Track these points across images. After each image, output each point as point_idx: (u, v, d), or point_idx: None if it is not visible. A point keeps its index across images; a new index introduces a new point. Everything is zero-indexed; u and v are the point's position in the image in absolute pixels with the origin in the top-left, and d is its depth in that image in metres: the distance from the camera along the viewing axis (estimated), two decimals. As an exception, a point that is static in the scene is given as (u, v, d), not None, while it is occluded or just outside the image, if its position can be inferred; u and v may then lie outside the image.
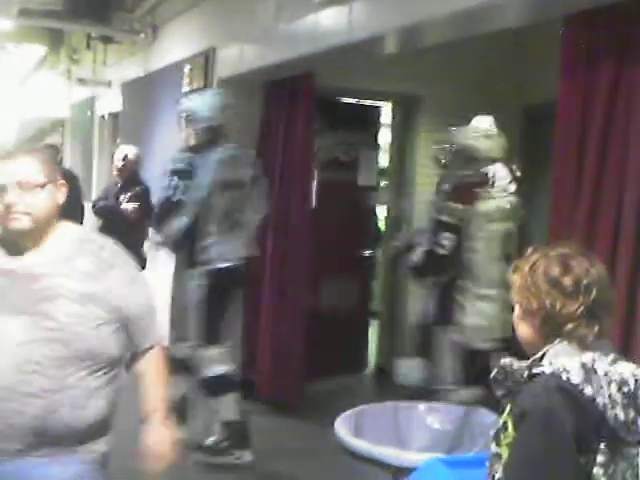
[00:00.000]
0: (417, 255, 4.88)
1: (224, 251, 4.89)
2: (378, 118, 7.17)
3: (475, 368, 4.66)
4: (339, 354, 6.77)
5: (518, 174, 6.20)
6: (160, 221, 5.06)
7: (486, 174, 5.39)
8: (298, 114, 5.90)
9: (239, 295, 5.26)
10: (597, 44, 3.38)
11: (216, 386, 4.93)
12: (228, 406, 4.96)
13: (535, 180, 6.17)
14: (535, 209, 5.82)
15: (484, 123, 6.22)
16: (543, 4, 3.65)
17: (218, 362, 4.93)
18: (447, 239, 4.73)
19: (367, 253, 7.17)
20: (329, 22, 4.63)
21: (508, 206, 4.89)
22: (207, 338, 4.94)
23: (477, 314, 4.62)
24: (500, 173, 6.16)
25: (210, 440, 5.03)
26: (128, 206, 6.94)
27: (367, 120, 7.07)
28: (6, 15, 8.99)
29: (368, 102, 6.98)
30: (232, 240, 4.92)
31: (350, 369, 6.87)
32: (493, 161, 6.22)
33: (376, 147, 7.18)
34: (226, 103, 5.16)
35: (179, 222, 4.87)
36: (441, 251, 4.73)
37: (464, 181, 5.05)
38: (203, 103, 5.12)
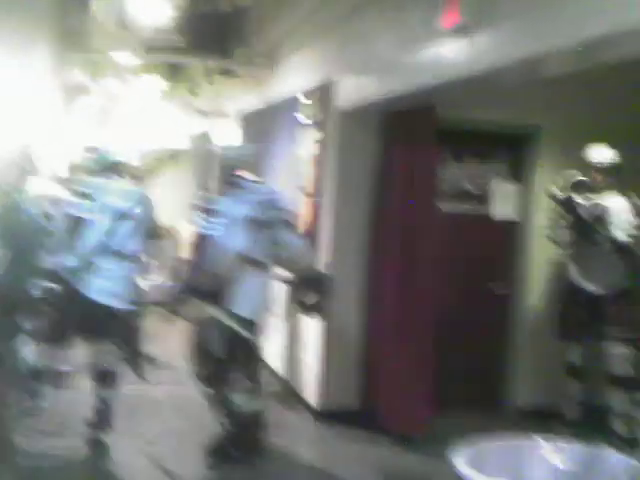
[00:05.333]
0: None
1: None
2: (522, 148, 6.84)
3: None
4: (475, 389, 6.72)
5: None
6: None
7: None
8: (419, 146, 5.91)
9: None
10: None
11: None
12: None
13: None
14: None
15: (600, 155, 6.10)
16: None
17: None
18: None
19: (500, 287, 6.86)
20: (452, 53, 4.62)
21: None
22: None
23: None
24: (619, 205, 6.02)
25: None
26: None
27: (504, 150, 6.86)
28: (132, 50, 9.33)
29: (507, 131, 6.70)
30: None
31: (487, 407, 6.72)
32: (612, 193, 6.10)
33: (518, 178, 6.84)
34: None
35: None
36: None
37: None
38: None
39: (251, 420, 5.43)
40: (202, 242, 5.44)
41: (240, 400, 5.31)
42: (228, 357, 5.28)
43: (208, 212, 5.44)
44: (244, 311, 5.25)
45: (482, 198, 6.81)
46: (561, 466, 3.88)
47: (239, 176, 5.43)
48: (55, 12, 7.47)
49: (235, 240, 5.25)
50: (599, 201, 6.03)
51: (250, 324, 5.28)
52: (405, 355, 6.02)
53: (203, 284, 5.32)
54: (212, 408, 5.48)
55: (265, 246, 5.32)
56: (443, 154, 6.55)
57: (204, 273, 5.33)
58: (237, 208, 5.30)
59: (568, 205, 6.11)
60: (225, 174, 5.54)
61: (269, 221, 5.31)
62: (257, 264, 5.29)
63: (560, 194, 6.14)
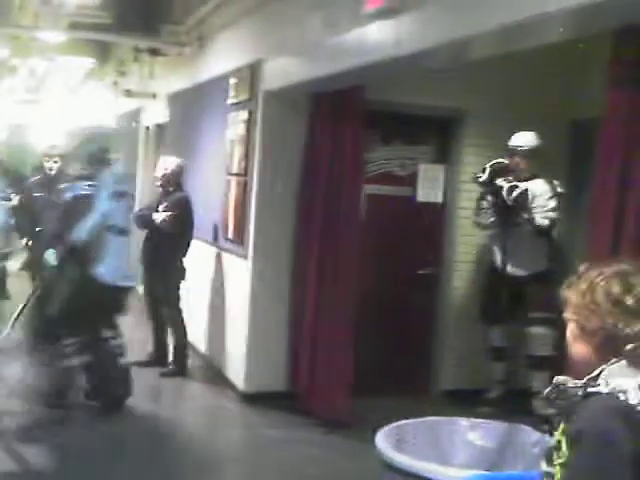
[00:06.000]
0: None
1: None
2: (447, 131, 6.86)
3: None
4: (400, 373, 6.74)
5: (560, 190, 6.16)
6: None
7: None
8: (346, 127, 5.90)
9: None
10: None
11: None
12: None
13: (581, 195, 6.10)
14: (580, 224, 5.77)
15: (521, 139, 6.19)
16: (592, 18, 3.60)
17: None
18: None
19: (426, 270, 6.86)
20: (377, 35, 4.62)
21: None
22: None
23: None
24: (540, 189, 6.13)
25: None
26: (160, 215, 7.00)
27: (432, 134, 6.88)
28: (56, 28, 9.14)
29: (434, 114, 6.70)
30: None
31: (413, 390, 6.73)
32: (533, 177, 6.20)
33: (444, 161, 6.86)
34: None
35: None
36: None
37: None
38: None
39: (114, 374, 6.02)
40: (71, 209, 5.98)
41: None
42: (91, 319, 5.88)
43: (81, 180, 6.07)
44: (105, 275, 5.79)
45: (409, 180, 6.84)
46: (481, 444, 3.96)
47: (104, 153, 6.32)
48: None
49: (100, 207, 5.82)
50: (519, 184, 6.12)
51: (113, 287, 5.87)
52: (326, 339, 6.04)
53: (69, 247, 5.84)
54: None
55: (123, 215, 6.11)
56: (371, 136, 6.56)
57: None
58: (103, 180, 5.98)
59: (489, 188, 6.18)
60: (92, 152, 6.28)
61: (124, 193, 6.18)
62: (117, 230, 5.95)
63: (482, 177, 6.20)
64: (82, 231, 5.75)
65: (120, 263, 5.98)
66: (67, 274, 5.77)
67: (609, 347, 1.94)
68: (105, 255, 5.82)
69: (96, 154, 6.18)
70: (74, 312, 5.67)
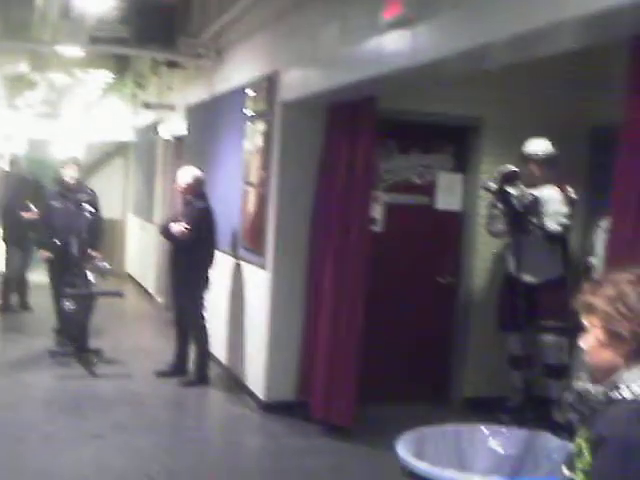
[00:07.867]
0: None
1: None
2: (466, 140, 6.86)
3: None
4: (419, 381, 6.79)
5: (573, 197, 6.13)
6: None
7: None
8: (360, 137, 5.91)
9: None
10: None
11: None
12: None
13: (601, 202, 6.07)
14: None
15: (535, 147, 6.18)
16: (609, 25, 3.62)
17: None
18: None
19: (444, 278, 6.90)
20: (393, 45, 4.65)
21: None
22: None
23: None
24: (551, 196, 6.10)
25: None
26: (178, 226, 7.03)
27: (451, 142, 6.87)
28: (76, 42, 9.22)
29: (451, 123, 6.72)
30: None
31: (432, 398, 6.80)
32: (546, 184, 6.17)
33: (462, 170, 6.86)
34: None
35: None
36: None
37: None
38: None
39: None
40: None
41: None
42: None
43: None
44: None
45: (427, 189, 6.86)
46: (501, 451, 3.96)
47: None
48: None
49: None
50: (529, 191, 6.10)
51: None
52: (335, 347, 6.02)
53: None
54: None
55: None
56: (389, 145, 6.59)
57: None
58: None
59: (500, 196, 6.17)
60: None
61: None
62: None
63: (492, 185, 6.20)
64: None
65: None
66: None
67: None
68: None
69: None
70: None
